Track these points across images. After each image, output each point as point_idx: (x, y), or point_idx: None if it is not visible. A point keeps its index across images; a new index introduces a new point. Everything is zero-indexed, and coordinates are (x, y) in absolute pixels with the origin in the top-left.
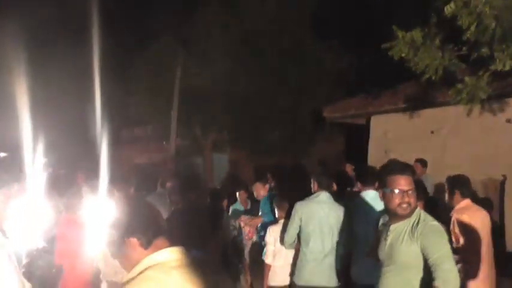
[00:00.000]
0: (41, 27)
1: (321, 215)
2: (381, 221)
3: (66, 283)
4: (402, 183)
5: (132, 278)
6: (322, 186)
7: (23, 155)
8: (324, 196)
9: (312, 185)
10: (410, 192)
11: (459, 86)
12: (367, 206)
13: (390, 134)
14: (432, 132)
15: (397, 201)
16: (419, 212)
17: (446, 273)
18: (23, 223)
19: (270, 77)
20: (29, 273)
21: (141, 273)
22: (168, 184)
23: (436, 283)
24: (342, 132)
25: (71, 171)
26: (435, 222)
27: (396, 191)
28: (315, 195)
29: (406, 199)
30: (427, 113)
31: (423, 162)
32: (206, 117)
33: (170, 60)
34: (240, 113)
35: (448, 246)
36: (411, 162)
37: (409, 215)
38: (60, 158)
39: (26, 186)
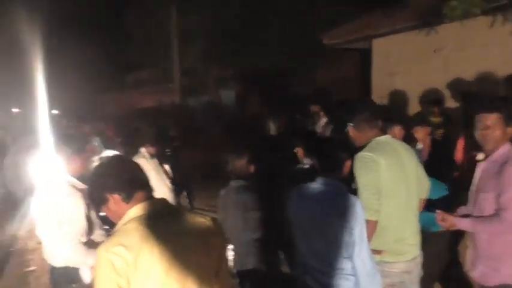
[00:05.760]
0: None
1: None
2: None
3: None
4: None
5: (116, 230)
6: None
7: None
8: None
9: None
10: None
11: (453, 2)
12: None
13: (393, 56)
14: (434, 51)
15: None
16: None
17: None
18: None
19: (265, 5)
20: None
21: (124, 225)
22: None
23: None
24: (346, 58)
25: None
26: None
27: None
28: None
29: None
30: (429, 32)
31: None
32: (205, 54)
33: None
34: (238, 44)
35: None
36: (415, 84)
37: None
38: (69, 110)
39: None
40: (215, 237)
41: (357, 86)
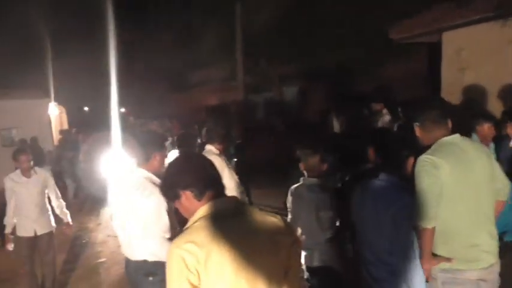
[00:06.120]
0: None
1: None
2: None
3: None
4: None
5: (188, 228)
6: None
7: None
8: None
9: None
10: None
11: None
12: None
13: (464, 50)
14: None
15: None
16: None
17: None
18: None
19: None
20: None
21: (195, 222)
22: None
23: None
24: (413, 53)
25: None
26: None
27: None
28: None
29: None
30: (505, 23)
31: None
32: (271, 51)
33: None
34: (304, 41)
35: None
36: (489, 78)
37: None
38: (135, 108)
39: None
40: (284, 236)
41: (425, 82)
